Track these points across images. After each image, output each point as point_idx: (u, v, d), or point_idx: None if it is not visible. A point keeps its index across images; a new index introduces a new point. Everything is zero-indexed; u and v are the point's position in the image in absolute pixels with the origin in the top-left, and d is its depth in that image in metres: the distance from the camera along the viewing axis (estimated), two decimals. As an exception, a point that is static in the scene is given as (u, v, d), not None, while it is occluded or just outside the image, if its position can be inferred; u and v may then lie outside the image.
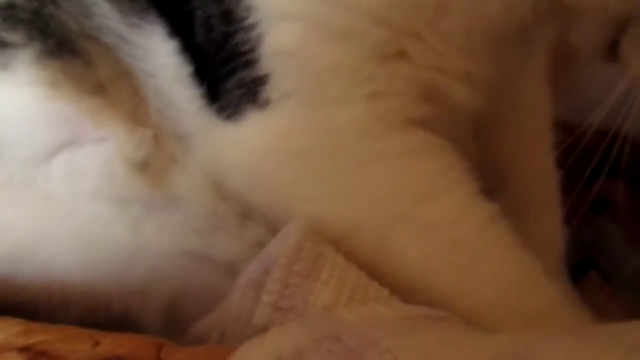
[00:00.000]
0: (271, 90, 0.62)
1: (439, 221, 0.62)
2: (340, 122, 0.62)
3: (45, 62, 0.67)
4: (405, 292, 0.60)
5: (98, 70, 0.68)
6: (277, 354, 0.49)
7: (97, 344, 0.55)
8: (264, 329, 0.55)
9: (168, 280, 0.68)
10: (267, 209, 0.65)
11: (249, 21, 0.61)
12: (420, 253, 0.61)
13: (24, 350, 0.54)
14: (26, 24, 0.67)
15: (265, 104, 0.62)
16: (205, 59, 0.64)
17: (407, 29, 0.61)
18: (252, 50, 0.61)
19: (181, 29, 0.65)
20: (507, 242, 0.63)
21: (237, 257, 0.68)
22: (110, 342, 0.55)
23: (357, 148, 0.62)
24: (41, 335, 0.55)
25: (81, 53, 0.67)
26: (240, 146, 0.64)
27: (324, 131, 0.62)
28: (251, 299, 0.58)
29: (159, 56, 0.66)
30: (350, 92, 0.62)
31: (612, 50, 0.63)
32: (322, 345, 0.49)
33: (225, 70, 0.63)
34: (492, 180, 0.70)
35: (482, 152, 0.73)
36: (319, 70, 0.61)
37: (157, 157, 0.68)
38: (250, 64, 0.62)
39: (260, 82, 0.62)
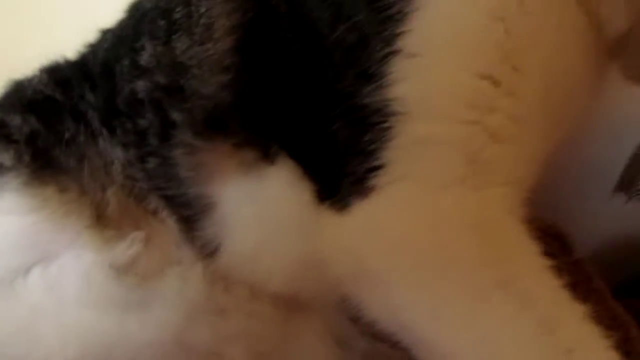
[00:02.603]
0: (379, 177, 0.62)
1: None
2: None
3: (34, 189, 0.65)
4: None
5: (96, 197, 0.67)
6: None
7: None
8: None
9: None
10: (367, 302, 0.64)
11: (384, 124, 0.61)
12: None
13: None
14: (17, 144, 0.66)
15: (370, 191, 0.62)
16: (324, 162, 0.65)
17: None
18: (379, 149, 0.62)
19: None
20: None
21: (217, 347, 0.68)
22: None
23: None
24: None
25: (83, 183, 0.67)
26: (345, 234, 0.63)
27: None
28: None
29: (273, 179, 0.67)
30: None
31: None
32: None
33: (344, 166, 0.63)
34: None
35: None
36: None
37: (146, 256, 0.68)
38: (370, 156, 0.62)
39: (371, 171, 0.62)
